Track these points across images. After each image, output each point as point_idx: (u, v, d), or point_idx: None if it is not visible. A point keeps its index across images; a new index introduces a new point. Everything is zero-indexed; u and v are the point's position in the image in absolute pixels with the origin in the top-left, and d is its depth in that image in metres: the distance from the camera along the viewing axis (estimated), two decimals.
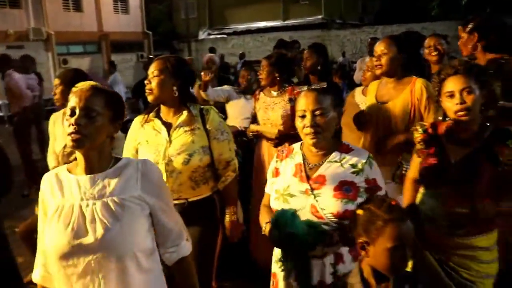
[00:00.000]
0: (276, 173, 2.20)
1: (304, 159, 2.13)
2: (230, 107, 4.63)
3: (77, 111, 1.64)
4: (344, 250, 2.06)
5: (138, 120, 2.69)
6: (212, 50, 14.57)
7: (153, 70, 2.54)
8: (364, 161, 2.05)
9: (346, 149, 2.10)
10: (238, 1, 26.23)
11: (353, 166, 2.04)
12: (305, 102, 2.01)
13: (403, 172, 2.88)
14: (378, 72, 3.11)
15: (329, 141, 2.06)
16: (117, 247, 1.64)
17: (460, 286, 2.17)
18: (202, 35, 28.20)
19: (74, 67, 3.84)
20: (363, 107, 3.43)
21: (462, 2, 21.12)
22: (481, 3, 19.91)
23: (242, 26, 26.89)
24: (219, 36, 27.35)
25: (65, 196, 1.70)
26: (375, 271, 1.70)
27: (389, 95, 3.02)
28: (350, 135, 3.49)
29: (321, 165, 2.07)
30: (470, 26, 3.07)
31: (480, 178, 2.09)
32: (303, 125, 2.01)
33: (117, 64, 12.38)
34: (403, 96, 2.96)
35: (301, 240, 1.91)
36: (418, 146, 2.29)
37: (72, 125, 1.62)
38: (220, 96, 4.62)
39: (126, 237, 1.66)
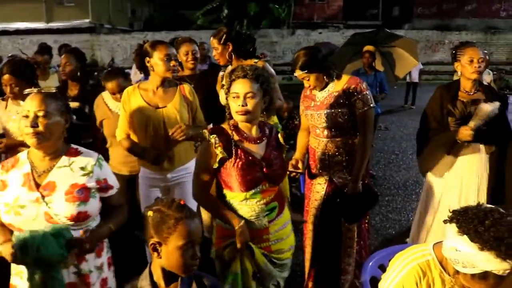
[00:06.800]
0: (3, 185, 2.10)
1: (32, 167, 2.10)
2: None
3: None
4: None
5: None
6: None
7: None
8: (93, 163, 2.14)
9: (75, 153, 2.15)
10: None
11: (82, 168, 2.11)
12: (29, 103, 2.02)
13: None
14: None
15: (55, 145, 2.09)
16: None
17: (281, 266, 2.47)
18: None
19: None
20: (118, 111, 3.47)
21: (223, 13, 22.96)
22: (238, 16, 22.05)
23: None
24: None
25: None
26: (165, 273, 1.75)
27: (162, 99, 3.15)
28: (114, 142, 3.50)
29: (49, 171, 2.08)
30: (223, 38, 3.51)
31: (278, 165, 2.41)
32: (24, 125, 2.01)
33: None
34: (177, 98, 3.15)
35: (56, 258, 1.94)
36: (221, 154, 2.31)
37: None
38: None
39: None
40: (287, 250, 2.50)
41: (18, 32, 23.64)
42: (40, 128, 1.99)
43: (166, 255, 1.70)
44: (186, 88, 3.23)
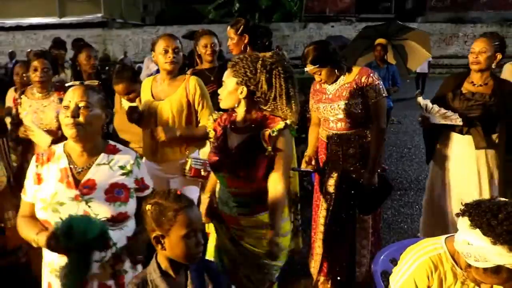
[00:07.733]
0: (38, 179, 2.03)
1: (70, 162, 2.03)
2: None
3: None
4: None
5: None
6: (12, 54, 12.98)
7: None
8: (132, 162, 2.08)
9: (113, 150, 2.09)
10: None
11: (122, 167, 2.05)
12: (71, 94, 1.97)
13: (192, 165, 3.11)
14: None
15: (94, 140, 2.04)
16: None
17: (258, 266, 2.36)
18: None
19: None
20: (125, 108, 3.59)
21: (234, 7, 22.94)
22: (250, 10, 22.03)
23: (11, 21, 24.20)
24: None
25: None
26: (172, 262, 1.74)
27: (164, 92, 3.15)
28: (124, 136, 3.60)
29: (89, 168, 2.02)
30: (241, 28, 3.54)
31: (256, 164, 2.27)
32: (64, 116, 1.95)
33: None
34: (178, 93, 3.12)
35: (97, 244, 1.86)
36: (211, 134, 2.48)
37: None
38: None
39: None
40: (264, 249, 2.30)
41: (31, 27, 23.82)
42: (81, 119, 1.93)
43: (170, 246, 1.70)
44: (191, 82, 3.14)
